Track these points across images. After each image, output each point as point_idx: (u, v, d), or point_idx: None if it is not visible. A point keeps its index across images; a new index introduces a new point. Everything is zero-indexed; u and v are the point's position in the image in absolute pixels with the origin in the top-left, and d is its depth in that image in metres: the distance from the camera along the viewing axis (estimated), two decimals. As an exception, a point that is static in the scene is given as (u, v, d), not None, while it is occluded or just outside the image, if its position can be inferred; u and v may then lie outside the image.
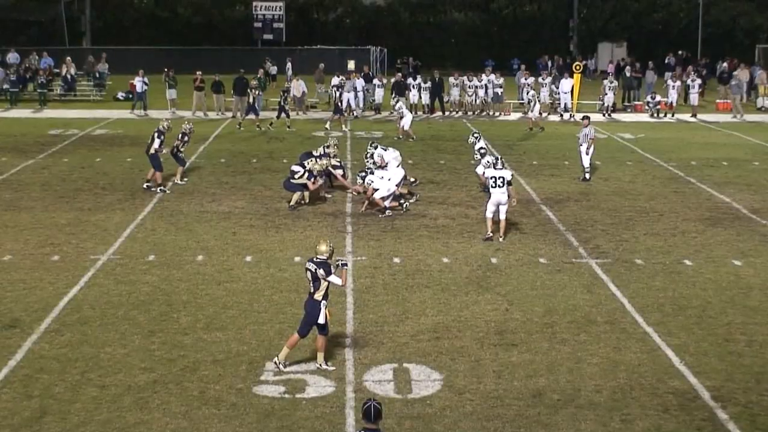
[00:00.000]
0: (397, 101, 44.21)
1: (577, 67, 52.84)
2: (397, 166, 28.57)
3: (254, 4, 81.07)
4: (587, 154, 31.81)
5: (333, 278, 15.77)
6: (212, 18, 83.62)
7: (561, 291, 20.17)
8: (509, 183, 24.27)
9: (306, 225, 25.66)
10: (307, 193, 27.85)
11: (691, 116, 50.05)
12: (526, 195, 29.55)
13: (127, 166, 33.79)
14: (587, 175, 31.82)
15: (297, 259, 22.19)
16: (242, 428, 13.81)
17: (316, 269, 15.77)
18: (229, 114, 49.01)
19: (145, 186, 29.96)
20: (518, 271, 21.57)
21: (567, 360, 16.37)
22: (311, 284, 15.86)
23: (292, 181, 27.61)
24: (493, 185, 24.21)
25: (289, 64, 62.07)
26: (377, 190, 26.87)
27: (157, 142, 29.98)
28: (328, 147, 29.92)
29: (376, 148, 29.48)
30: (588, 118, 33.12)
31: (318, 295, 15.80)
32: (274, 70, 61.95)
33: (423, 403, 14.66)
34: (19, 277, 20.87)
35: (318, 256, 15.83)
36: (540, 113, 45.90)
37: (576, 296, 19.84)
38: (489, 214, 24.43)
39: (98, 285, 20.36)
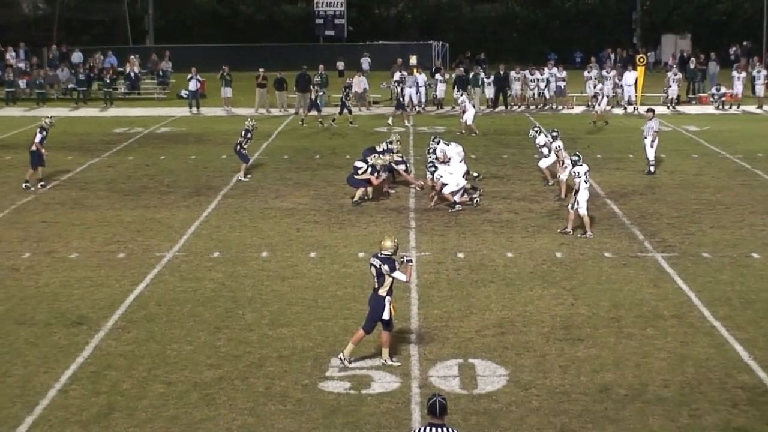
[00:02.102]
0: (461, 95, 44.10)
1: (641, 60, 52.48)
2: (460, 162, 28.48)
3: (316, 0, 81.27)
4: (651, 146, 31.58)
5: (397, 274, 15.75)
6: (274, 15, 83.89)
7: (627, 285, 20.02)
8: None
9: (370, 221, 25.67)
10: (370, 189, 27.86)
11: (757, 107, 49.49)
12: (590, 189, 29.33)
13: (191, 164, 33.98)
14: (652, 168, 31.58)
15: (361, 255, 22.19)
16: (308, 424, 13.82)
17: (380, 265, 15.75)
18: (292, 110, 49.17)
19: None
20: (583, 266, 21.43)
21: (634, 355, 16.25)
22: (375, 280, 15.85)
23: (355, 177, 27.61)
24: (585, 181, 24.10)
25: (365, 59, 61.10)
26: (446, 185, 26.81)
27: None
28: (390, 143, 29.88)
29: (438, 143, 29.37)
30: (653, 110, 32.90)
31: (382, 291, 15.79)
32: (341, 65, 61.81)
33: (489, 398, 14.60)
34: (86, 274, 21.05)
35: (382, 252, 15.82)
36: (606, 107, 45.50)
37: (642, 290, 19.68)
38: (584, 211, 24.06)
39: (164, 282, 20.50)
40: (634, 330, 17.40)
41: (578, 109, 49.48)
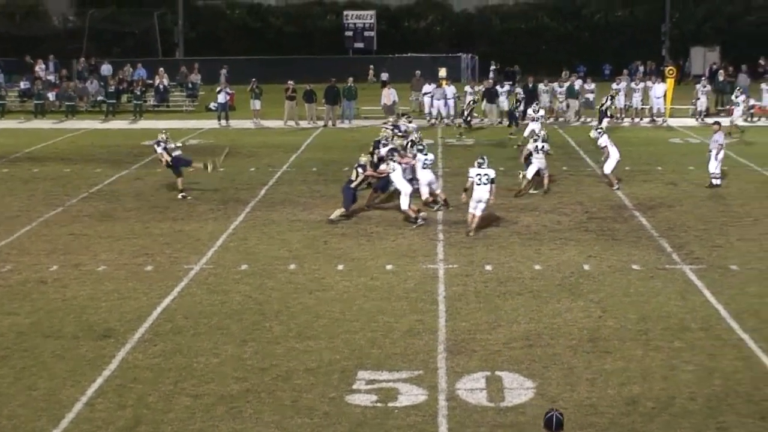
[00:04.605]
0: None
1: (670, 72, 52.34)
2: (423, 168, 28.51)
3: (345, 13, 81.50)
4: (716, 159, 31.45)
5: None
6: (304, 28, 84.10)
7: (654, 298, 19.96)
8: (492, 181, 25.12)
9: (398, 233, 25.68)
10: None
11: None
12: (617, 201, 29.36)
13: (219, 176, 34.03)
14: (714, 181, 31.45)
15: (389, 267, 22.24)
16: (334, 437, 13.86)
17: None
18: (321, 123, 49.30)
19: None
20: (611, 278, 21.39)
21: (661, 367, 16.19)
22: None
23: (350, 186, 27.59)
24: (478, 182, 25.02)
25: (442, 71, 60.18)
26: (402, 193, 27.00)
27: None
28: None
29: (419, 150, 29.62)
30: (719, 123, 32.93)
31: None
32: (385, 76, 61.63)
33: (516, 411, 14.58)
34: (114, 287, 21.13)
35: None
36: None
37: (670, 303, 19.61)
38: (471, 210, 25.24)
39: (191, 295, 20.56)
40: (661, 342, 17.35)
41: (604, 123, 49.25)
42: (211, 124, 50.32)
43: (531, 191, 30.41)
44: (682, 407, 14.62)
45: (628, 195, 30.12)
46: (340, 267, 22.47)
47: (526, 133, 36.11)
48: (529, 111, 41.91)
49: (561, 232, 25.66)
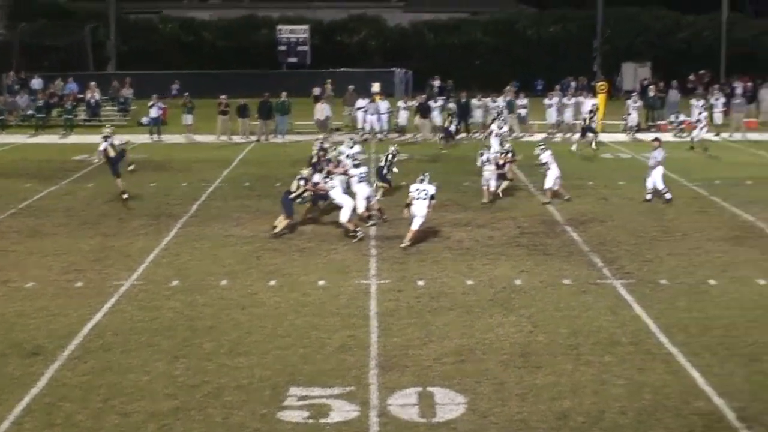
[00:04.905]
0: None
1: (602, 87, 52.80)
2: (359, 182, 28.65)
3: (279, 27, 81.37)
4: (655, 176, 31.72)
5: None
6: (237, 42, 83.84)
7: (585, 312, 20.08)
8: (432, 197, 25.54)
9: (330, 248, 25.65)
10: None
11: (715, 135, 49.79)
12: (550, 216, 29.55)
13: (151, 191, 33.84)
14: (648, 196, 31.87)
15: (321, 282, 22.21)
16: (265, 454, 13.80)
17: None
18: (254, 138, 49.19)
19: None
20: (542, 293, 21.49)
21: (592, 382, 16.28)
22: None
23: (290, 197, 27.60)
24: (416, 197, 25.49)
25: (376, 86, 60.01)
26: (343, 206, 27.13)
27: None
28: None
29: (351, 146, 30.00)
30: (658, 140, 33.19)
31: None
32: (317, 91, 61.64)
33: (447, 426, 14.59)
34: (43, 304, 20.90)
35: None
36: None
37: (600, 317, 19.74)
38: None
39: (121, 311, 20.38)
40: (591, 357, 17.45)
41: (539, 137, 49.58)
42: (144, 138, 49.98)
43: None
44: (612, 421, 14.70)
45: (560, 210, 30.32)
46: (273, 283, 22.40)
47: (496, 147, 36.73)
48: (494, 126, 42.21)
49: (493, 247, 25.76)
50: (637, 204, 31.41)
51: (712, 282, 22.28)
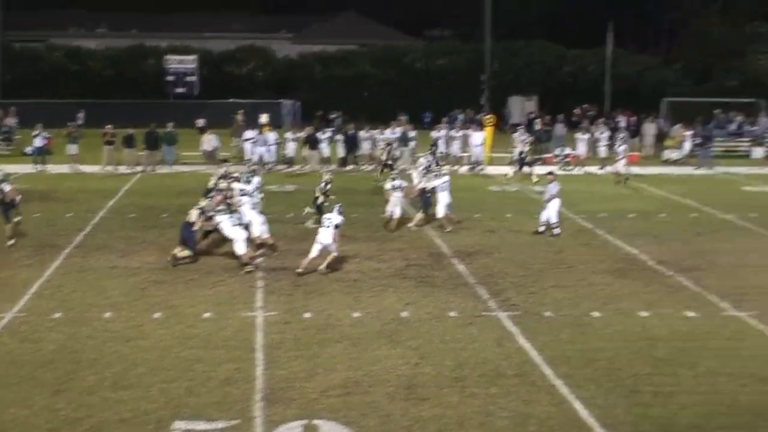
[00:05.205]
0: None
1: (489, 121, 53.32)
2: (252, 208, 28.71)
3: (166, 57, 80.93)
4: (550, 209, 32.02)
5: None
6: (124, 72, 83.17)
7: (471, 344, 20.20)
8: (337, 227, 26.15)
9: (217, 280, 25.47)
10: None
11: (600, 168, 50.56)
12: (437, 248, 29.71)
13: (35, 222, 33.28)
14: (540, 228, 32.19)
15: (207, 315, 22.05)
16: (148, 489, 13.63)
17: None
18: (140, 168, 48.76)
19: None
20: (429, 325, 21.57)
21: (477, 414, 16.37)
22: None
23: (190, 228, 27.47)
24: (326, 225, 26.12)
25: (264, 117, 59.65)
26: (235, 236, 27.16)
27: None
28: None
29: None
30: (552, 173, 33.56)
31: None
32: (201, 122, 60.99)
33: (332, 459, 14.58)
34: None
35: None
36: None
37: (486, 349, 19.87)
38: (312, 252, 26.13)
39: (2, 344, 19.98)
40: (477, 389, 17.54)
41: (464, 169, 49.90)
42: (28, 168, 49.20)
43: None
44: (496, 453, 14.80)
45: (447, 242, 30.50)
46: (158, 315, 22.17)
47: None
48: (422, 160, 42.38)
49: (380, 279, 25.81)
50: (524, 236, 31.74)
51: (595, 314, 22.57)
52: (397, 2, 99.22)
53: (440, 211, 32.64)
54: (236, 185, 30.56)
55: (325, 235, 26.11)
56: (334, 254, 26.45)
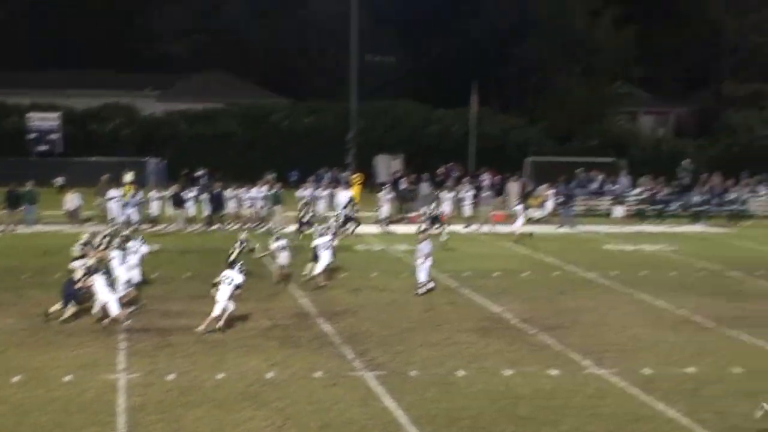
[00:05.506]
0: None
1: (356, 179, 53.53)
2: (120, 265, 28.74)
3: (28, 115, 79.69)
4: (421, 267, 32.14)
5: None
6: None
7: (336, 405, 20.14)
8: (238, 287, 26.50)
9: (78, 342, 25.03)
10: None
11: (465, 227, 51.03)
12: (301, 308, 29.62)
13: None
14: (420, 291, 32.19)
15: (68, 378, 21.63)
16: None
17: None
18: (0, 228, 47.83)
19: None
20: (294, 386, 21.47)
21: (342, 476, 16.31)
22: None
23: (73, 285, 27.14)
24: (226, 283, 26.47)
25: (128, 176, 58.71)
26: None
27: None
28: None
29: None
30: (425, 232, 33.75)
31: None
32: (60, 180, 60.05)
33: None
34: None
35: None
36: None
37: (351, 410, 19.83)
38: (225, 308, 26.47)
39: None
40: (342, 450, 17.50)
41: (293, 227, 49.82)
42: None
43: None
44: None
45: (312, 302, 30.43)
46: (17, 378, 21.67)
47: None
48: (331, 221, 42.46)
49: (245, 339, 25.62)
50: (389, 295, 31.82)
51: (461, 373, 22.68)
52: (264, 61, 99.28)
53: (317, 268, 32.90)
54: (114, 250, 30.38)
55: (224, 293, 26.32)
56: (230, 310, 26.62)
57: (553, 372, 23.02)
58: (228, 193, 51.30)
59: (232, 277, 26.57)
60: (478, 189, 56.88)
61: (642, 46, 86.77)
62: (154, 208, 50.73)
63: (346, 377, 22.22)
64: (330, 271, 33.63)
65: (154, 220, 50.43)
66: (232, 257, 30.99)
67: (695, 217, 57.34)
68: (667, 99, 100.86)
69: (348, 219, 45.50)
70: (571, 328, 27.73)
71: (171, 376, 22.02)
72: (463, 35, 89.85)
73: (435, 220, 45.34)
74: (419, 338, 26.05)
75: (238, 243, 32.58)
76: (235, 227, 49.15)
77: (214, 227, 49.69)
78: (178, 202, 49.68)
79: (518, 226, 47.24)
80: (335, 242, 34.56)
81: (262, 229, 48.52)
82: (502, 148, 78.84)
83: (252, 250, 33.93)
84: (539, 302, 31.25)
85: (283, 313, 28.89)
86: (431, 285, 32.36)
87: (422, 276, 32.23)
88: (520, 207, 48.75)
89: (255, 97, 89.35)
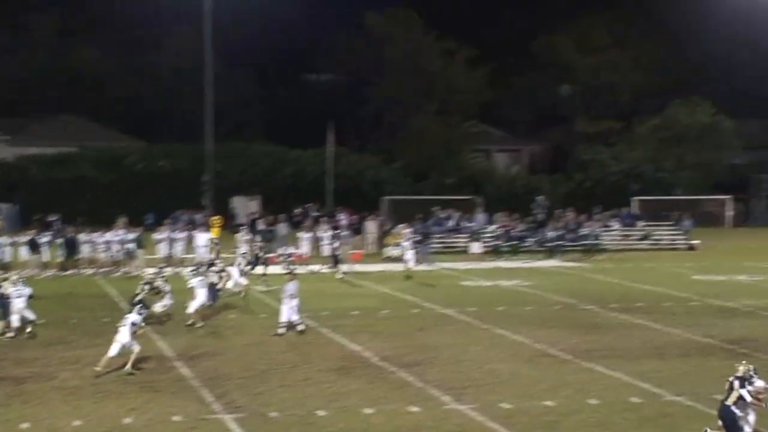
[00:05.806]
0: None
1: (216, 222, 53.18)
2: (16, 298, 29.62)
3: None
4: (288, 308, 32.06)
5: (744, 392, 18.88)
6: None
7: (195, 449, 19.97)
8: (134, 324, 26.76)
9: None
10: None
11: (323, 267, 51.03)
12: (159, 351, 29.27)
13: None
14: (280, 330, 32.18)
15: None
16: None
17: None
18: None
19: None
20: (153, 430, 21.19)
21: None
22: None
23: None
24: (125, 324, 26.63)
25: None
26: None
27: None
28: None
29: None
30: (291, 273, 33.70)
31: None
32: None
33: None
34: None
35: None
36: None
37: (211, 453, 19.68)
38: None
39: None
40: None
41: (151, 270, 49.23)
42: None
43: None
44: None
45: (170, 345, 30.10)
46: None
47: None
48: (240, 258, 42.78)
49: (101, 385, 25.20)
50: (248, 337, 31.66)
51: (321, 413, 22.64)
52: (118, 103, 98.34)
53: (191, 307, 33.64)
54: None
55: (123, 334, 26.43)
56: (136, 351, 26.62)
57: (414, 409, 23.12)
58: (82, 237, 50.50)
59: (131, 318, 26.76)
60: (336, 228, 56.96)
61: (495, 85, 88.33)
62: (6, 254, 49.63)
63: (205, 420, 22.02)
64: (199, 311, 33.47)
65: (6, 266, 49.34)
66: (136, 299, 30.68)
67: (550, 253, 58.22)
68: (520, 137, 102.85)
69: (212, 263, 45.23)
70: (430, 364, 27.90)
71: (25, 425, 21.55)
72: (318, 76, 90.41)
73: (258, 260, 45.67)
74: (279, 379, 25.96)
75: (144, 285, 32.50)
76: (90, 272, 48.47)
77: (69, 272, 48.86)
78: (34, 246, 48.76)
79: (410, 264, 47.65)
80: (226, 284, 35.58)
81: (117, 274, 47.99)
82: (359, 188, 79.22)
83: (158, 293, 34.04)
84: (398, 340, 31.40)
85: (140, 356, 28.47)
86: (302, 327, 32.31)
87: (284, 316, 32.17)
88: (407, 243, 49.18)
89: (110, 141, 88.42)
